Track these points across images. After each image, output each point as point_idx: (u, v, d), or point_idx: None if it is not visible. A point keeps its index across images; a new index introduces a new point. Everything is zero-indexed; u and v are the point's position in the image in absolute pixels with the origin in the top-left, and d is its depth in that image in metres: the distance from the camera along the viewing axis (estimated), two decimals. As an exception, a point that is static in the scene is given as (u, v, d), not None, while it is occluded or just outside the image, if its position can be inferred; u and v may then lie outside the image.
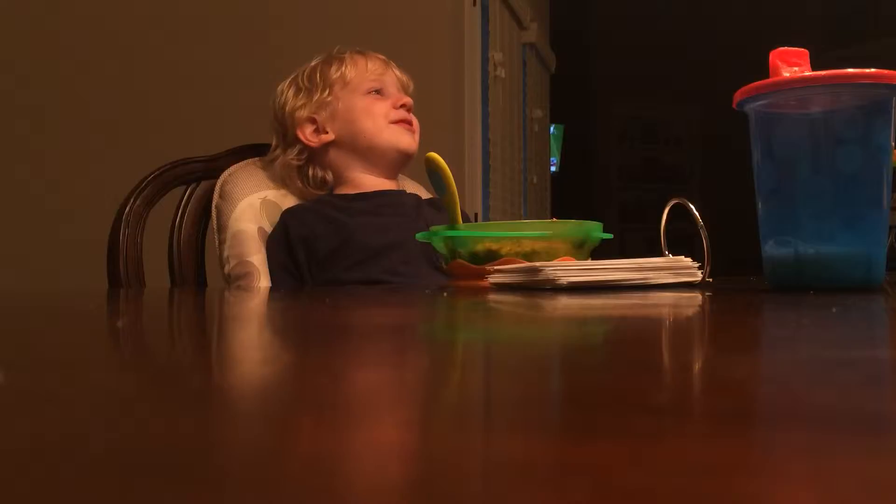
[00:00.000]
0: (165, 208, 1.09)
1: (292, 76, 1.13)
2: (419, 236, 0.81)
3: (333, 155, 1.09)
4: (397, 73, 1.13)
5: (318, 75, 1.10)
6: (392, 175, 1.12)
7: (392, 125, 1.08)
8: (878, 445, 0.13)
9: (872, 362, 0.23)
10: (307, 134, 1.08)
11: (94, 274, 1.14)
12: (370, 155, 1.08)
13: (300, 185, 1.10)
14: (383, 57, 1.14)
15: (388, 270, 0.99)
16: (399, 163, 1.11)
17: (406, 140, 1.08)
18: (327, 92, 1.08)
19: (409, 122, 1.10)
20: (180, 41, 2.23)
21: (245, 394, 0.20)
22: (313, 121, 1.08)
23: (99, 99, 2.26)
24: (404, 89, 1.13)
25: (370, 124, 1.07)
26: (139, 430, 0.15)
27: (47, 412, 0.17)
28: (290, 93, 1.10)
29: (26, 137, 2.29)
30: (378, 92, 1.09)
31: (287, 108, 1.09)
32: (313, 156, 1.09)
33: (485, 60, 2.35)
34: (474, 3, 2.23)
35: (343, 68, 1.09)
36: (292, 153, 1.09)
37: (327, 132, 1.08)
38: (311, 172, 1.10)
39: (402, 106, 1.09)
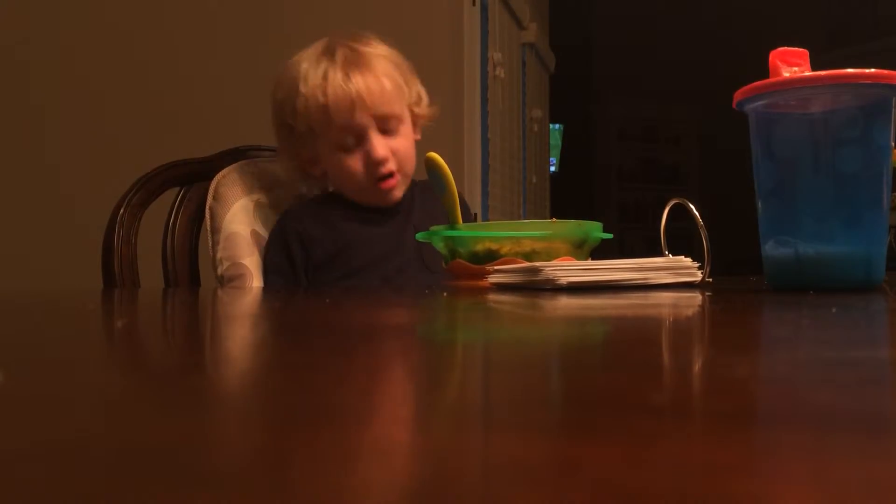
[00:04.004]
0: (160, 209, 1.10)
1: (273, 109, 1.04)
2: (419, 236, 0.81)
3: (330, 179, 1.07)
4: (367, 101, 0.97)
5: (286, 113, 1.01)
6: None
7: (372, 187, 1.01)
8: (878, 446, 0.13)
9: (872, 362, 0.23)
10: (311, 170, 1.06)
11: (89, 274, 1.14)
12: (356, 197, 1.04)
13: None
14: (351, 92, 0.96)
15: (384, 278, 0.99)
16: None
17: (388, 198, 1.02)
18: (302, 133, 1.01)
19: (391, 175, 1.00)
20: (176, 42, 2.23)
21: (244, 393, 0.20)
22: (310, 159, 1.04)
23: (95, 100, 2.25)
24: (380, 105, 0.98)
25: (350, 183, 1.02)
26: (139, 430, 0.15)
27: (47, 412, 0.17)
28: (276, 132, 1.04)
29: (23, 137, 2.28)
30: (348, 143, 0.99)
31: (282, 155, 1.06)
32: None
33: (484, 60, 2.35)
34: (473, 3, 2.23)
35: (307, 116, 0.98)
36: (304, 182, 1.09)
37: (319, 166, 1.05)
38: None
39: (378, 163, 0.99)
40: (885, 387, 0.19)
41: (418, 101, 1.06)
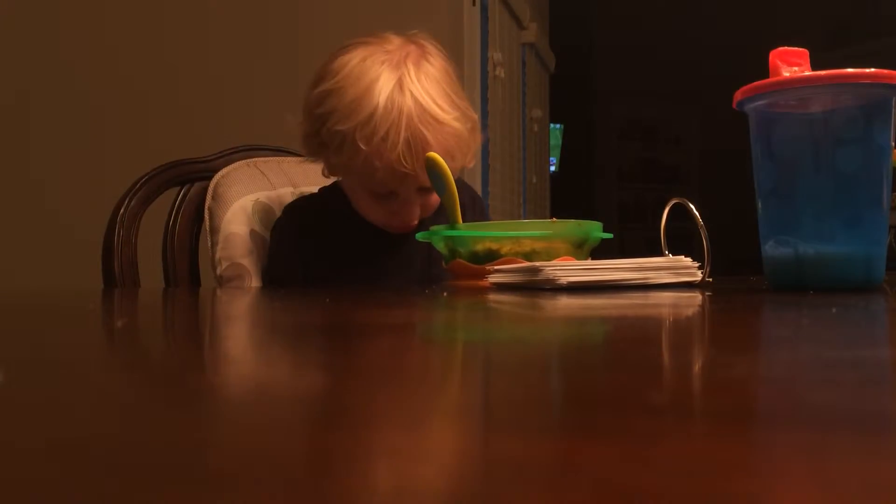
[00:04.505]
0: (160, 209, 1.10)
1: (314, 110, 0.92)
2: (419, 236, 0.81)
3: (347, 193, 1.02)
4: (421, 177, 0.88)
5: (330, 144, 0.91)
6: None
7: (390, 227, 0.97)
8: (878, 445, 0.13)
9: (872, 362, 0.23)
10: (327, 175, 1.01)
11: (89, 273, 1.14)
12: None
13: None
14: (408, 169, 0.87)
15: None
16: None
17: (399, 230, 0.98)
18: (335, 164, 0.95)
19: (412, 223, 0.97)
20: (176, 42, 2.23)
21: (244, 394, 0.20)
22: (332, 173, 0.99)
23: (94, 99, 2.25)
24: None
25: (366, 214, 0.97)
26: (139, 430, 0.15)
27: (47, 412, 0.17)
28: (304, 135, 0.95)
29: (22, 137, 2.29)
30: (381, 193, 0.93)
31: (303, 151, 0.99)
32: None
33: (484, 60, 2.35)
34: (474, 3, 2.23)
35: (352, 160, 0.89)
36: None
37: (338, 180, 1.02)
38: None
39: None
40: (885, 387, 0.19)
41: (470, 158, 0.98)
